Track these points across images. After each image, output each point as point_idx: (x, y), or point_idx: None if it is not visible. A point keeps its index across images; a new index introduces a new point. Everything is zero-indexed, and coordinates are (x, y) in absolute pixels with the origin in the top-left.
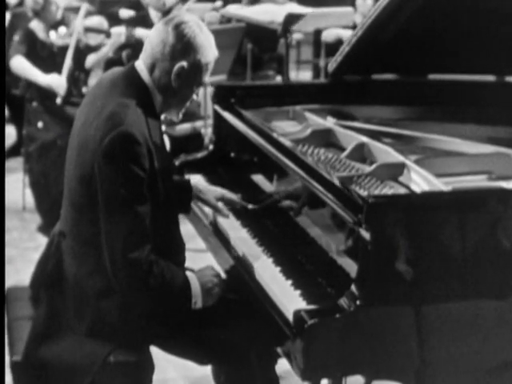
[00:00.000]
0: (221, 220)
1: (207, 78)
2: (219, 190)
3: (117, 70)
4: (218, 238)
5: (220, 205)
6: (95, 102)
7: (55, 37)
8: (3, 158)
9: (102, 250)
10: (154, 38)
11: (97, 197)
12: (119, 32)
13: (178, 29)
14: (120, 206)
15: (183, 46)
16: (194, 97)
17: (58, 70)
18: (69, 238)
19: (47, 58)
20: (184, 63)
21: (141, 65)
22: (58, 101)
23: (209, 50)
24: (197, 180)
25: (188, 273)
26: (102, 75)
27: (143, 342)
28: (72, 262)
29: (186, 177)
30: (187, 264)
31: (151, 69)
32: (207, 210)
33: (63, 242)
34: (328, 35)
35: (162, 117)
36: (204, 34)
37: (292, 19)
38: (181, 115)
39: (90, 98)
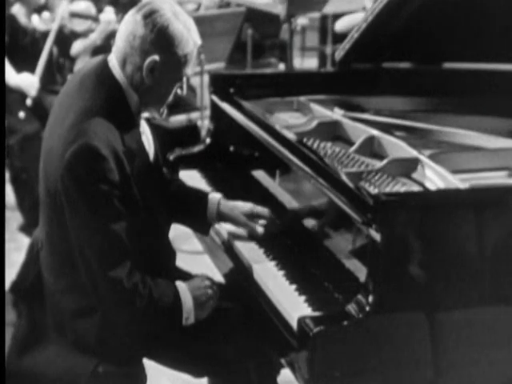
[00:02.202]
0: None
1: (190, 70)
2: (248, 205)
3: (89, 65)
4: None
5: (251, 222)
6: (63, 104)
7: (38, 22)
8: (3, 158)
9: (77, 268)
10: (123, 29)
11: (63, 214)
12: (109, 19)
13: (148, 18)
14: (90, 227)
15: (154, 37)
16: (179, 91)
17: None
18: (45, 249)
19: (29, 44)
20: (156, 57)
21: (113, 60)
22: (28, 102)
23: (187, 40)
24: (219, 196)
25: (179, 285)
26: (75, 71)
27: (132, 357)
28: (48, 277)
29: (203, 187)
30: (183, 267)
31: (123, 64)
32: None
33: (41, 252)
34: (341, 25)
35: (147, 114)
36: (181, 22)
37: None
38: (164, 112)
39: (61, 97)
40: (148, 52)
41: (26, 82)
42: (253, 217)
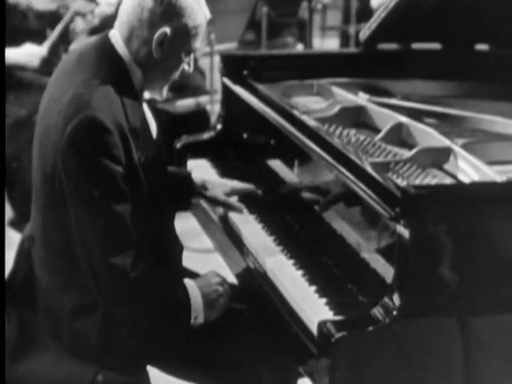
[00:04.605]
0: (232, 214)
1: (199, 45)
2: (228, 183)
3: (88, 42)
4: (228, 235)
5: (232, 199)
6: (59, 82)
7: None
8: (3, 156)
9: (75, 261)
10: (129, 3)
11: (62, 198)
12: (109, 1)
13: None
14: (92, 208)
15: (164, 9)
16: (186, 67)
17: (31, 40)
18: (38, 244)
19: (19, 23)
20: (166, 29)
21: (116, 35)
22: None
23: (197, 12)
24: (199, 175)
25: (187, 282)
26: (72, 48)
27: (135, 363)
28: (42, 274)
29: (188, 167)
30: (191, 266)
31: (128, 39)
32: None
33: (33, 248)
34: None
35: (147, 95)
36: None
37: None
38: (165, 92)
39: (56, 75)
40: (157, 24)
41: (26, 53)
42: (235, 195)
